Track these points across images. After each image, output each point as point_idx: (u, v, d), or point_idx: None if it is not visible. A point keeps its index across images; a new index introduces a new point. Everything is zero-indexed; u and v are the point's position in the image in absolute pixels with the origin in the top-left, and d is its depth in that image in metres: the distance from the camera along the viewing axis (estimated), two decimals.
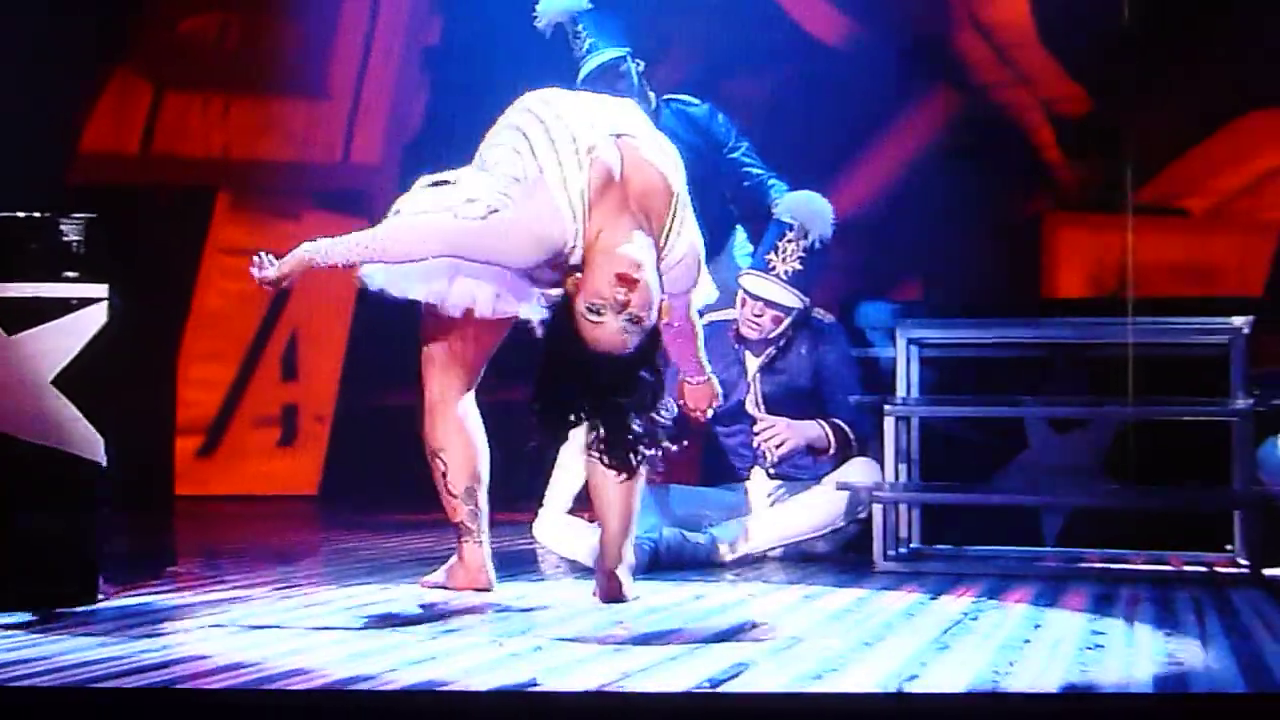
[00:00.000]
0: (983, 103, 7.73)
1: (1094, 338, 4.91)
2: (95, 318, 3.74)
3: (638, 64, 5.07)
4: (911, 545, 4.82)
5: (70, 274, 3.74)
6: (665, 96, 5.17)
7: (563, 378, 3.42)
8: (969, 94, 7.76)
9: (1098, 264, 7.67)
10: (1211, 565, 4.59)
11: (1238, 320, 4.57)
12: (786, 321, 4.89)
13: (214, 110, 8.24)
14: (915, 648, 3.11)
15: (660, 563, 4.48)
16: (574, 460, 4.90)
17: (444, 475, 3.82)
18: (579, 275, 3.42)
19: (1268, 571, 4.38)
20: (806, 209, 4.90)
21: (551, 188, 3.48)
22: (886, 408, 4.66)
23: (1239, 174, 7.30)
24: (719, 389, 3.98)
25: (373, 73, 8.28)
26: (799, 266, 4.81)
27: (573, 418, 3.47)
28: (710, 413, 4.02)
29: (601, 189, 3.50)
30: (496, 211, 3.52)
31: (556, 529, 4.86)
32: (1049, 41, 7.64)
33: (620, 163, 3.53)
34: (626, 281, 3.37)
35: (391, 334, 7.84)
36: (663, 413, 3.48)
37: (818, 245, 4.85)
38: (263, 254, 3.70)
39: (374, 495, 7.22)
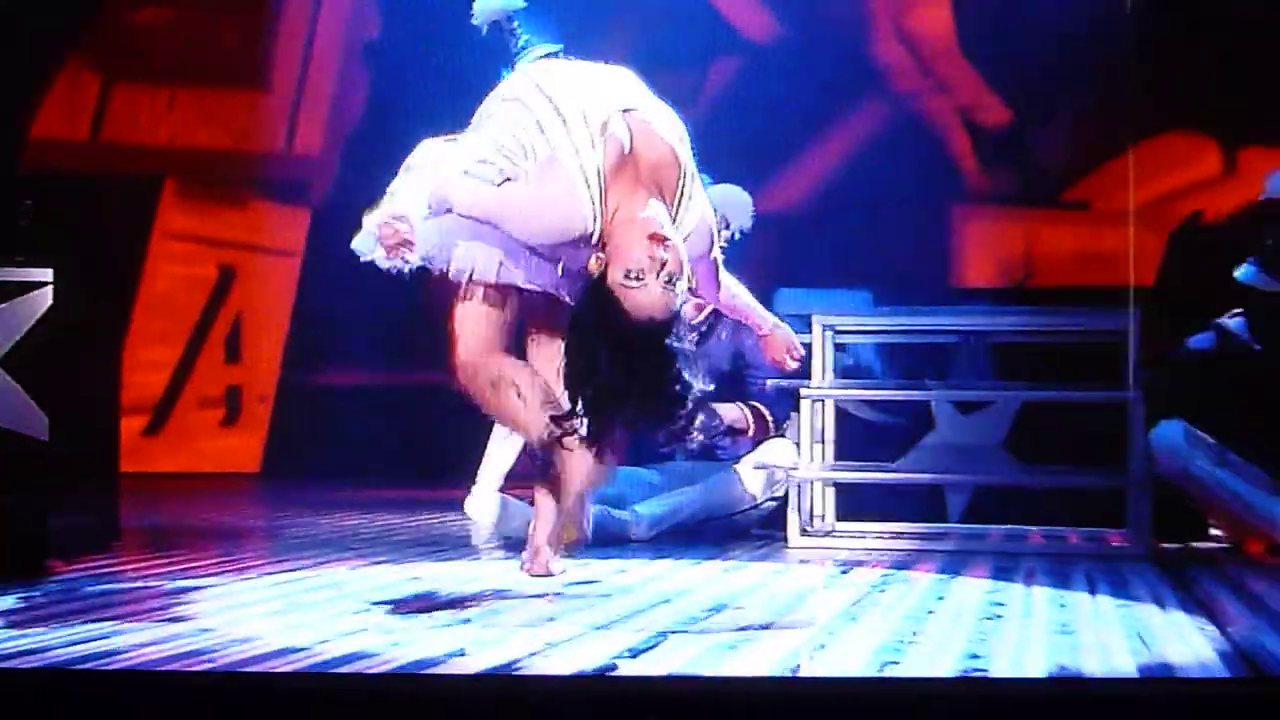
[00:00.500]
0: (904, 108, 7.80)
1: (998, 325, 4.95)
2: (41, 301, 3.70)
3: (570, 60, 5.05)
4: (825, 521, 4.85)
5: (17, 258, 3.69)
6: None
7: (605, 357, 3.23)
8: (891, 99, 7.82)
9: (1004, 256, 7.76)
10: (1105, 540, 4.66)
11: (1131, 309, 4.62)
12: (708, 309, 4.89)
13: (161, 100, 8.16)
14: (826, 618, 3.13)
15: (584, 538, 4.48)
16: (506, 438, 4.91)
17: (519, 395, 3.45)
18: (601, 255, 3.30)
19: (1158, 546, 4.44)
20: (728, 201, 4.91)
21: (569, 171, 3.35)
22: (802, 391, 4.69)
23: (1149, 190, 7.39)
24: (793, 335, 3.78)
25: (315, 66, 8.23)
26: (720, 256, 4.81)
27: (625, 400, 3.25)
28: (794, 363, 3.81)
29: (616, 167, 3.38)
30: (510, 180, 3.39)
31: (488, 505, 4.84)
32: (969, 52, 7.72)
33: (630, 138, 3.40)
34: (659, 240, 3.25)
35: (331, 317, 7.86)
36: (699, 380, 3.30)
37: (738, 236, 4.86)
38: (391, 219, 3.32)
39: (313, 472, 7.20)
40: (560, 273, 3.48)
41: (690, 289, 3.42)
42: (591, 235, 3.35)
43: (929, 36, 7.81)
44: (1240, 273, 4.76)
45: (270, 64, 8.18)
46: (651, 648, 2.74)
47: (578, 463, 3.47)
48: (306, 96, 8.20)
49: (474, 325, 3.52)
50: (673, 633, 2.91)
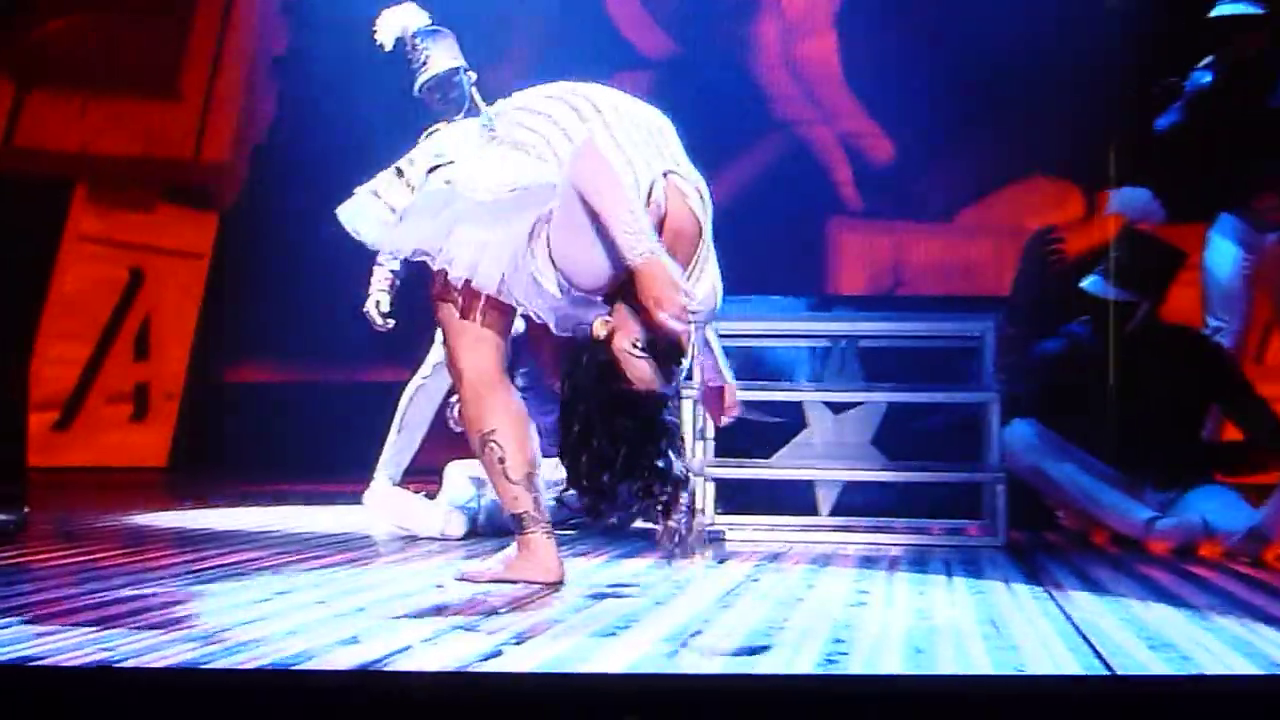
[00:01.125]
0: (791, 133, 7.88)
1: (868, 330, 5.01)
2: None
3: (470, 76, 5.03)
4: (705, 515, 4.87)
5: None
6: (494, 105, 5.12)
7: (600, 423, 3.10)
8: (779, 124, 7.90)
9: (875, 265, 7.86)
10: (964, 531, 4.74)
11: (987, 317, 4.70)
12: None
13: (73, 108, 8.01)
14: (702, 606, 3.15)
15: (479, 529, 4.48)
16: (404, 434, 4.87)
17: (501, 461, 3.35)
18: (608, 318, 3.15)
19: (1012, 536, 4.53)
20: None
21: None
22: (684, 391, 4.70)
23: (1016, 228, 7.53)
24: (734, 396, 3.70)
25: (223, 77, 8.13)
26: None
27: (609, 467, 3.10)
28: (725, 419, 3.76)
29: None
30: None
31: (386, 498, 4.81)
32: (853, 85, 7.81)
33: (665, 207, 3.25)
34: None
35: (236, 317, 7.75)
36: (681, 461, 3.18)
37: None
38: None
39: (218, 467, 7.10)
40: (556, 299, 3.26)
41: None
42: (605, 291, 3.20)
43: (815, 66, 7.90)
44: (1087, 283, 4.87)
45: (180, 74, 8.07)
46: (537, 635, 2.73)
47: (537, 553, 3.40)
48: (215, 106, 8.09)
49: (480, 347, 3.35)
50: (557, 620, 2.91)
